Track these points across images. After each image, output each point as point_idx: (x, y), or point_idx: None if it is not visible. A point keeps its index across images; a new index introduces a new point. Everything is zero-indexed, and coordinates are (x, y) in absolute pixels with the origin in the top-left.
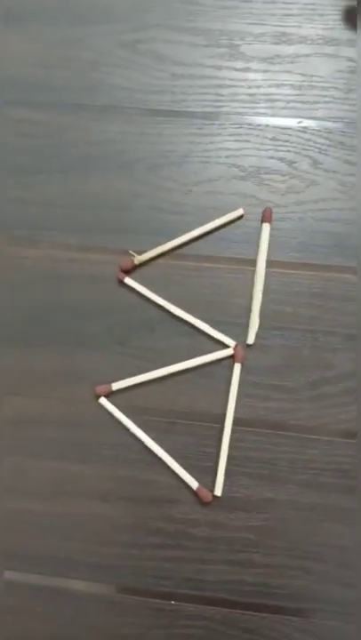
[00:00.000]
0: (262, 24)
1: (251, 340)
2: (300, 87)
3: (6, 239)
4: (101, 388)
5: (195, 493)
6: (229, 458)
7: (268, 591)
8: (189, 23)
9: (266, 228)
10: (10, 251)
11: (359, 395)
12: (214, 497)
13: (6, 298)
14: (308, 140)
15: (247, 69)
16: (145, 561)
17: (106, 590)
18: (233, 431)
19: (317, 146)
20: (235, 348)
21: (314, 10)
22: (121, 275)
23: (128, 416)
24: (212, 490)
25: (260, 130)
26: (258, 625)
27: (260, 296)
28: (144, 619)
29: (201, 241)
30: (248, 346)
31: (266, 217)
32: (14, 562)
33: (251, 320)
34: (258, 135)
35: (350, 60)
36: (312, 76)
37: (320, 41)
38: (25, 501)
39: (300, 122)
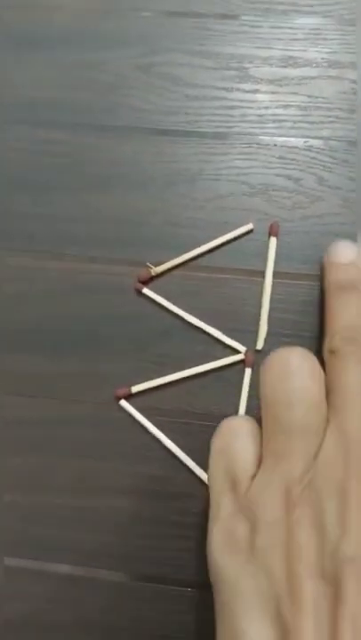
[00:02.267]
0: (270, 48)
1: (260, 345)
2: (306, 108)
3: (32, 253)
4: (121, 391)
5: None
6: None
7: None
8: (201, 47)
9: (273, 241)
10: (36, 264)
11: None
12: None
13: (34, 308)
14: (314, 158)
15: (256, 91)
16: (163, 551)
17: (128, 579)
18: None
19: (322, 164)
20: (245, 354)
21: (318, 34)
22: (139, 285)
23: (147, 417)
24: None
25: (268, 149)
26: None
27: (268, 305)
28: (163, 604)
29: (213, 253)
30: (257, 351)
31: (273, 231)
32: (43, 552)
33: (260, 327)
34: (266, 154)
35: (353, 82)
36: (317, 97)
37: (325, 64)
38: (52, 496)
39: (306, 141)
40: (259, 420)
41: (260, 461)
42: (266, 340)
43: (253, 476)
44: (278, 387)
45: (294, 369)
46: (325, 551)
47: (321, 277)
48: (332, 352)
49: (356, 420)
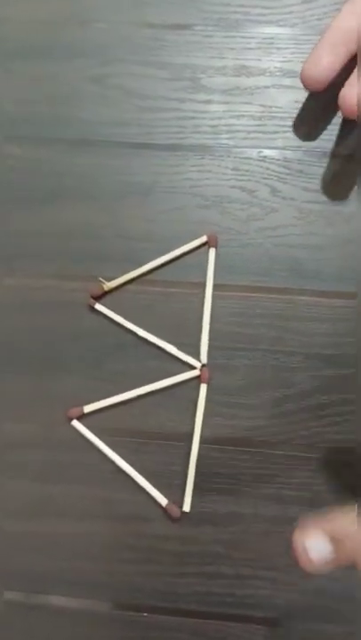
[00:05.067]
0: (223, 57)
1: (203, 359)
2: (260, 118)
3: None
4: (73, 411)
5: (164, 510)
6: (197, 475)
7: (235, 601)
8: (154, 57)
9: (212, 252)
10: None
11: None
12: (183, 513)
13: None
14: (268, 168)
15: (209, 101)
16: (118, 576)
17: (81, 604)
18: (200, 449)
19: (276, 174)
20: (201, 369)
21: (272, 44)
22: (91, 301)
23: (100, 437)
24: (181, 506)
25: (222, 160)
26: (226, 633)
27: (209, 317)
28: (117, 631)
29: (167, 267)
30: (204, 365)
31: (211, 242)
32: None
33: (201, 340)
34: (219, 165)
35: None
36: (271, 106)
37: (278, 73)
38: (4, 521)
39: (260, 152)
40: (216, 438)
41: None
42: (222, 355)
43: None
44: None
45: None
46: None
47: None
48: None
49: None
